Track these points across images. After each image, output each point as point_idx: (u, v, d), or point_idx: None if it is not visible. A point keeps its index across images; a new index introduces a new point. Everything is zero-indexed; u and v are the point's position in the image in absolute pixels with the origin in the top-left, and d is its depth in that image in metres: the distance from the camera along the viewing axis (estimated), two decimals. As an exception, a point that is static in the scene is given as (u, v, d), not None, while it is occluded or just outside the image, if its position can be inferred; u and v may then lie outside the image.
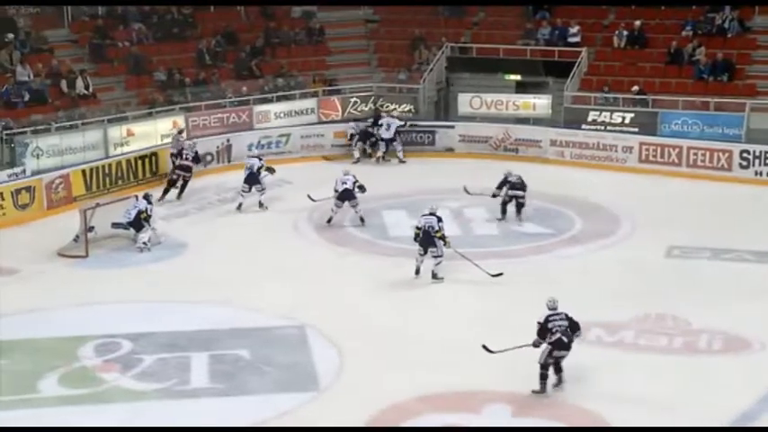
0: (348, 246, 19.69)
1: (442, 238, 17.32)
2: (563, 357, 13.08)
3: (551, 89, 27.16)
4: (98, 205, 19.64)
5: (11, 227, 20.38)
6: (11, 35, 25.69)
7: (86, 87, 25.36)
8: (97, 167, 22.86)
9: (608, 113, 25.77)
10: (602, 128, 25.68)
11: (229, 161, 25.27)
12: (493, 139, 26.40)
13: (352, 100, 27.83)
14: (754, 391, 13.11)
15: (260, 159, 22.34)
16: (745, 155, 23.73)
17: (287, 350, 14.84)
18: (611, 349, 14.78)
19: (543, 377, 13.06)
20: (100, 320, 15.89)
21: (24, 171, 21.89)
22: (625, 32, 27.66)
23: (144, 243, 19.09)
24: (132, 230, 19.27)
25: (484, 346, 13.38)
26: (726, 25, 27.00)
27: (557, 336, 12.91)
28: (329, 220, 20.56)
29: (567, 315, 13.06)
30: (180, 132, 24.07)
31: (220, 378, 13.99)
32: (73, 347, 14.82)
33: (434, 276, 17.37)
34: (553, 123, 26.41)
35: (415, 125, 26.62)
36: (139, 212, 19.12)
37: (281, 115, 27.07)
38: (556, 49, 27.96)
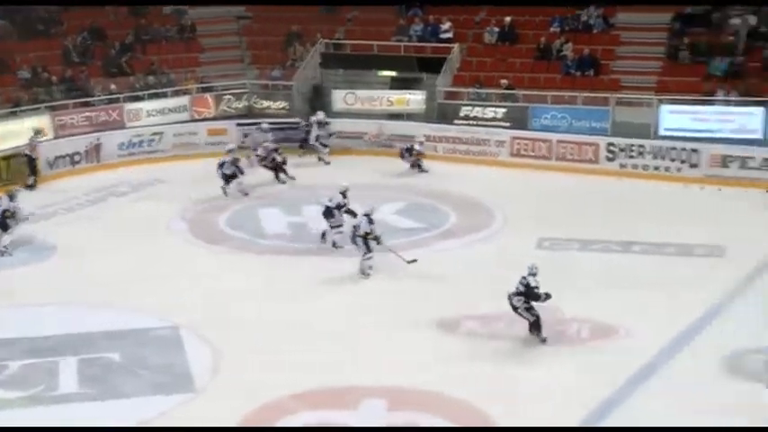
0: (222, 244, 19.52)
1: (376, 239, 17.21)
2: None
3: (425, 85, 27.42)
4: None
5: None
6: None
7: (-56, 86, 24.55)
8: (-43, 167, 22.16)
9: (480, 109, 26.16)
10: (475, 123, 26.04)
11: (98, 161, 24.75)
12: (367, 135, 26.54)
13: (226, 97, 27.62)
14: (621, 377, 13.44)
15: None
16: (611, 147, 24.42)
17: (161, 351, 14.60)
18: (486, 340, 14.99)
19: (538, 324, 14.62)
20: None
21: None
22: (496, 29, 28.11)
23: (5, 247, 18.50)
24: None
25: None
26: (591, 22, 27.68)
27: (544, 294, 14.54)
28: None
29: (527, 284, 14.44)
30: (37, 133, 23.32)
31: (90, 383, 13.63)
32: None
33: (362, 272, 17.30)
34: (427, 119, 26.65)
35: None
36: (4, 212, 18.56)
37: (153, 113, 26.68)
38: (428, 45, 28.23)
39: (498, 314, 15.63)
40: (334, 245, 18.81)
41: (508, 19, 28.12)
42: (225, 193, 22.01)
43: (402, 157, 24.55)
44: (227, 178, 21.99)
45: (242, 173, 22.23)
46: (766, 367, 11.93)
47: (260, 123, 25.64)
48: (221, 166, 22.09)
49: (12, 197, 18.98)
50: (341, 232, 18.71)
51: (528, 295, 14.41)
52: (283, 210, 21.09)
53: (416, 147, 24.70)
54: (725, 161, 23.30)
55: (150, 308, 16.04)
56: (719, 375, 13.51)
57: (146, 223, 20.62)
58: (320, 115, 26.03)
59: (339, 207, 18.81)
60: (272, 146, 23.94)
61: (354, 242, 17.52)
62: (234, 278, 17.54)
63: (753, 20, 26.01)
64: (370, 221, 17.33)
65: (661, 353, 14.22)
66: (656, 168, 23.87)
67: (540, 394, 13.14)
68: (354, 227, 17.55)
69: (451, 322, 15.45)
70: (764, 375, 12.09)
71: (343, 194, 18.84)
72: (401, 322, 15.41)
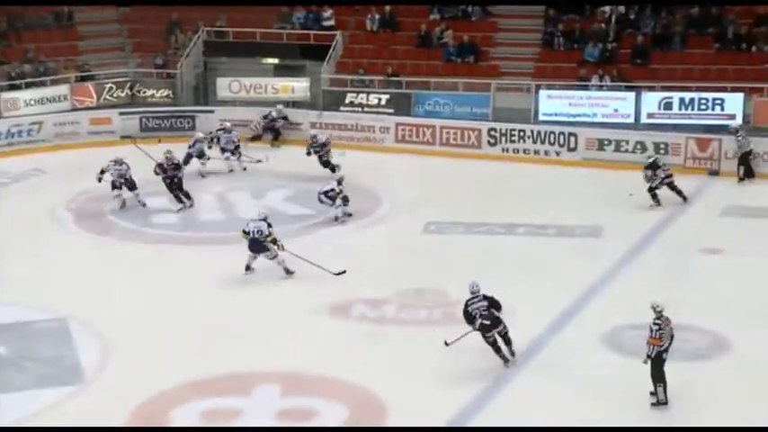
0: (109, 235, 19.22)
1: (274, 241, 16.84)
2: (500, 333, 13.20)
3: (309, 72, 27.37)
4: None
5: None
6: None
7: None
8: None
9: (365, 95, 26.26)
10: (360, 109, 26.15)
11: (-23, 151, 24.08)
12: (253, 123, 26.35)
13: (108, 86, 27.08)
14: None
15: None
16: (492, 132, 24.80)
17: (49, 344, 14.35)
18: (375, 324, 15.14)
19: (496, 351, 13.26)
20: None
21: None
22: (377, 16, 28.19)
23: None
24: None
25: (446, 343, 13.40)
26: (469, 10, 28.00)
27: (478, 321, 13.02)
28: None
29: (485, 295, 13.16)
30: None
31: (-24, 377, 13.35)
32: None
33: (287, 272, 16.84)
34: (312, 106, 26.64)
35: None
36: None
37: (32, 103, 26.02)
38: (311, 32, 28.18)
39: (387, 297, 15.84)
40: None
41: (388, 7, 28.22)
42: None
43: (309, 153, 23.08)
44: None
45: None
46: (645, 342, 12.39)
47: (223, 124, 24.54)
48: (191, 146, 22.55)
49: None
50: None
51: (494, 306, 13.28)
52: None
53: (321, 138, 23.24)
54: (601, 144, 23.90)
55: (37, 300, 15.71)
56: (600, 350, 13.95)
57: (29, 214, 20.08)
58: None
59: None
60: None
61: (263, 249, 16.80)
62: (122, 269, 17.27)
63: (622, 8, 26.71)
64: (269, 225, 16.89)
65: (546, 331, 14.61)
66: (537, 152, 24.36)
67: (432, 374, 13.33)
68: (256, 233, 16.75)
69: (343, 307, 15.56)
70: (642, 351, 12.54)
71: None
72: (293, 309, 15.44)
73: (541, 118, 24.78)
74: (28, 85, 26.23)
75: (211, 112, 26.70)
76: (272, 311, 15.40)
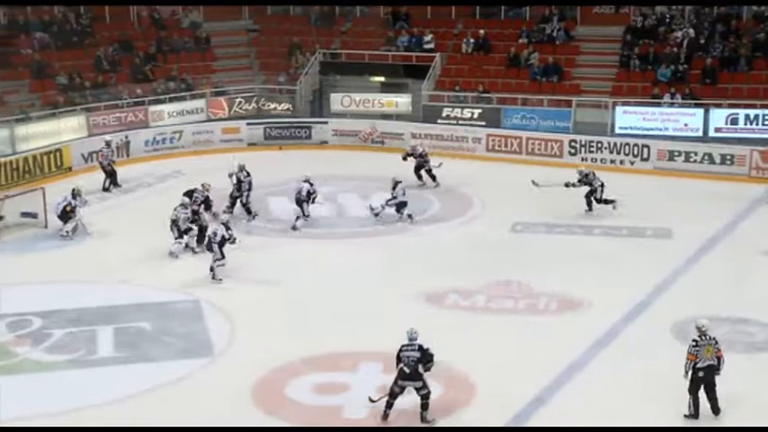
0: (235, 227, 19.35)
1: (233, 241, 16.31)
2: (418, 390, 11.52)
3: (411, 89, 27.31)
4: (6, 197, 18.86)
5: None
6: None
7: (-7, 91, 24.33)
8: (5, 162, 21.94)
9: (459, 110, 26.09)
10: (455, 122, 25.98)
11: (128, 155, 24.66)
12: (361, 133, 26.47)
13: (237, 100, 27.49)
14: (584, 343, 13.50)
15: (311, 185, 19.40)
16: (573, 143, 24.40)
17: (184, 322, 14.57)
18: (466, 312, 15.00)
19: (388, 404, 11.58)
20: (11, 300, 15.26)
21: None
22: (472, 40, 28.00)
23: (66, 232, 18.36)
24: (40, 219, 18.55)
25: (370, 399, 11.81)
26: (554, 34, 27.61)
27: (400, 365, 11.48)
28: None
29: (420, 346, 11.52)
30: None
31: (124, 348, 13.66)
32: (-13, 325, 14.22)
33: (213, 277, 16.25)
34: (413, 119, 26.59)
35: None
36: (65, 207, 18.34)
37: (174, 114, 26.52)
38: (413, 54, 28.13)
39: (477, 288, 15.69)
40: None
41: (482, 31, 28.02)
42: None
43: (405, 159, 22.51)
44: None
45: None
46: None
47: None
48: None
49: (75, 195, 18.59)
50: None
51: (423, 360, 11.54)
52: (290, 199, 20.94)
53: (419, 149, 22.59)
54: (671, 155, 23.30)
55: (174, 284, 16.00)
56: (669, 339, 13.56)
57: (170, 209, 20.42)
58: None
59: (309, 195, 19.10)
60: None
61: (210, 248, 16.32)
62: (250, 258, 17.42)
63: (692, 32, 26.01)
64: (228, 228, 16.41)
65: (619, 322, 14.28)
66: (612, 162, 23.85)
67: (516, 359, 13.14)
68: (212, 233, 16.39)
69: (438, 296, 15.46)
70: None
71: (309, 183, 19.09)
72: (394, 296, 15.39)
73: (617, 131, 24.30)
74: (171, 100, 26.76)
75: (325, 122, 26.86)
76: (376, 297, 15.39)
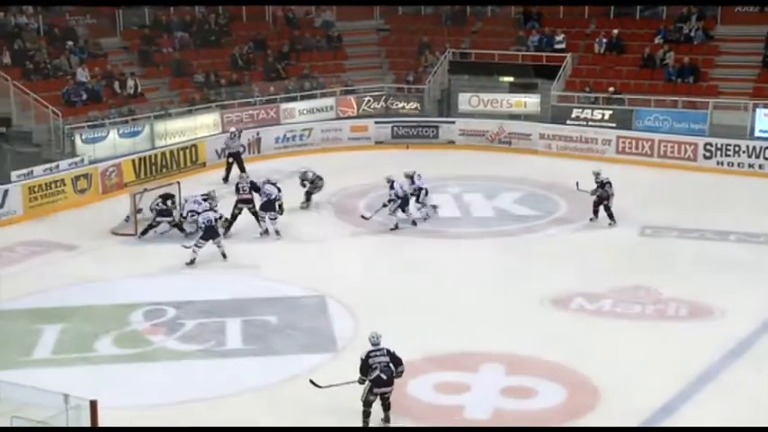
0: (362, 226, 19.61)
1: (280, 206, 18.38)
2: (387, 394, 11.32)
3: (540, 89, 26.94)
4: (146, 190, 19.60)
5: (71, 209, 20.51)
6: (70, 42, 25.67)
7: (135, 88, 25.33)
8: (145, 157, 22.89)
9: (589, 111, 25.60)
10: (585, 123, 25.51)
11: (259, 152, 25.29)
12: (489, 133, 26.32)
13: (366, 99, 27.76)
14: (717, 352, 13.07)
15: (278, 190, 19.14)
16: (708, 147, 23.58)
17: (309, 317, 14.82)
18: (592, 316, 14.74)
19: (365, 414, 11.29)
20: (148, 290, 15.90)
21: (83, 160, 21.83)
22: (604, 40, 27.44)
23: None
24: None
25: (311, 382, 11.69)
26: (692, 34, 26.76)
27: (376, 373, 11.15)
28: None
29: (388, 350, 11.28)
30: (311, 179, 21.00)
31: (252, 340, 14.00)
32: (125, 313, 14.86)
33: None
34: (541, 119, 26.25)
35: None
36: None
37: (304, 112, 27.00)
38: (544, 54, 27.76)
39: (604, 292, 15.39)
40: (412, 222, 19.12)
41: (616, 31, 27.43)
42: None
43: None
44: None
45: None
46: None
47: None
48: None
49: (211, 199, 18.24)
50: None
51: (394, 362, 11.31)
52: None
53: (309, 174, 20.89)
54: (815, 160, 22.28)
55: (300, 279, 16.26)
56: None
57: (296, 206, 20.82)
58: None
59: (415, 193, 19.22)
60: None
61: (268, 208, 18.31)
62: (373, 257, 17.58)
63: None
64: (279, 189, 18.46)
65: (753, 332, 13.74)
66: (751, 166, 22.93)
67: (644, 366, 12.82)
68: (267, 194, 18.35)
69: (564, 300, 15.24)
70: None
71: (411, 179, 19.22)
72: (520, 299, 15.25)
73: (757, 134, 23.31)
74: (302, 98, 27.29)
75: (452, 122, 26.83)
76: (502, 300, 15.29)
